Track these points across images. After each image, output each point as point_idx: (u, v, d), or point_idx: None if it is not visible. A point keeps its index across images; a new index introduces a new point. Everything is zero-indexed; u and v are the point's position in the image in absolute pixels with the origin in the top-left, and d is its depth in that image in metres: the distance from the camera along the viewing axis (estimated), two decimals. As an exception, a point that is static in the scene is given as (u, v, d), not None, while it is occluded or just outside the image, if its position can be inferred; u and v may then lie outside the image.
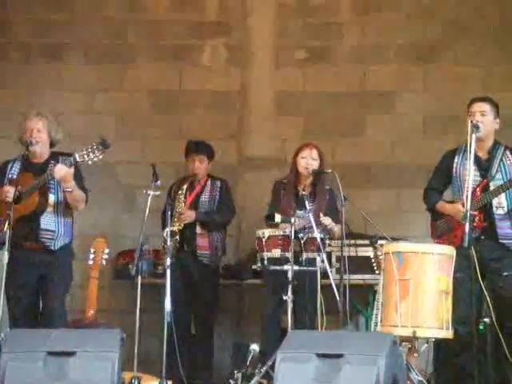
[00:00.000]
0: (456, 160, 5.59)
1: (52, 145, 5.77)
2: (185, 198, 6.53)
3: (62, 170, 5.44)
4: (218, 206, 6.58)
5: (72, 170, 5.49)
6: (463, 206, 5.25)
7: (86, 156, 5.43)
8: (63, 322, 5.52)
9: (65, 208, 5.67)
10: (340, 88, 7.61)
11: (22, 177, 5.56)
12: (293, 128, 7.57)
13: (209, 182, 6.63)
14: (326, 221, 5.78)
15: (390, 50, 7.63)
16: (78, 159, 5.45)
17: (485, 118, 5.45)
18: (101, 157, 5.45)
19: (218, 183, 6.64)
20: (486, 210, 5.43)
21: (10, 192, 5.39)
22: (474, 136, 5.09)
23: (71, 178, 5.51)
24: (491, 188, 5.43)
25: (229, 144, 7.57)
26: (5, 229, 5.18)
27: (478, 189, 5.43)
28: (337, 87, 7.61)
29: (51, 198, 5.62)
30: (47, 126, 5.68)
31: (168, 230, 5.63)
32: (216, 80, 7.69)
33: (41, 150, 5.69)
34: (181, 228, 6.37)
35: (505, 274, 5.36)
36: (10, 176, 5.66)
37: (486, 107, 5.49)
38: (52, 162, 5.65)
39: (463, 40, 7.58)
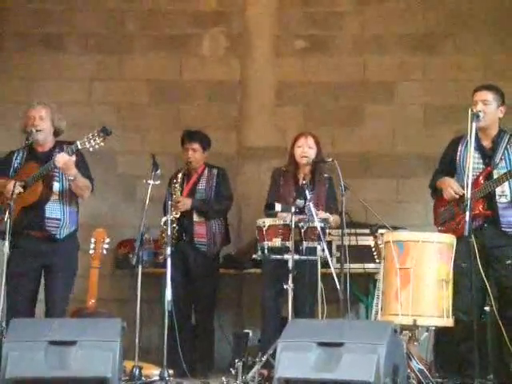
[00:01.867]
0: (460, 148, 5.58)
1: (57, 134, 5.76)
2: (182, 187, 6.53)
3: (63, 159, 5.45)
4: (215, 193, 6.58)
5: (73, 158, 5.50)
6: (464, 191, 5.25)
7: (87, 143, 5.44)
8: (64, 314, 5.51)
9: (70, 196, 5.68)
10: (340, 78, 7.60)
11: (26, 166, 5.57)
12: (293, 118, 7.57)
13: (206, 171, 6.63)
14: (323, 215, 5.78)
15: (390, 39, 7.62)
16: (79, 146, 5.46)
17: (487, 107, 5.41)
18: (102, 144, 5.46)
19: (215, 171, 6.63)
20: (489, 198, 5.42)
21: (18, 189, 5.39)
22: (474, 125, 5.08)
23: (73, 167, 5.51)
24: (495, 176, 5.41)
25: (229, 134, 7.57)
26: (5, 218, 5.18)
27: (481, 177, 5.43)
28: (337, 77, 7.60)
29: (56, 187, 5.62)
30: (50, 114, 5.69)
31: (165, 218, 5.64)
32: (215, 70, 7.68)
33: (44, 139, 5.69)
34: (177, 216, 6.36)
35: (508, 262, 5.36)
36: (15, 166, 5.66)
37: (488, 96, 5.45)
38: (56, 150, 5.65)
39: (463, 30, 7.58)
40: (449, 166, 5.64)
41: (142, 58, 7.74)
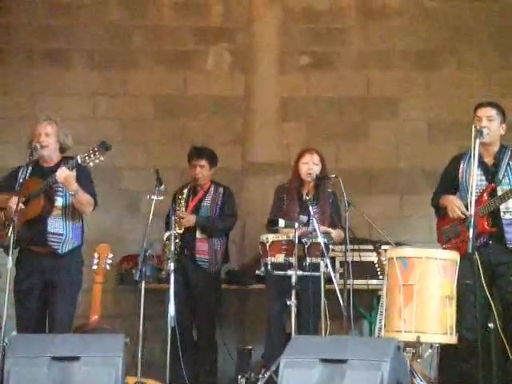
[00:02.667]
0: (462, 165, 5.59)
1: (63, 150, 5.77)
2: (187, 202, 6.55)
3: (63, 173, 5.44)
4: (220, 212, 6.59)
5: (74, 172, 5.49)
6: (467, 209, 5.27)
7: (87, 158, 5.44)
8: (68, 330, 5.48)
9: (73, 211, 5.67)
10: (344, 93, 7.62)
11: (29, 181, 5.57)
12: (297, 133, 7.58)
13: (212, 188, 6.65)
14: (325, 229, 5.78)
15: (394, 55, 7.64)
16: (79, 161, 5.45)
17: (491, 124, 5.43)
18: (102, 158, 5.45)
19: (221, 190, 6.65)
20: (493, 214, 5.41)
21: (14, 202, 5.40)
22: (477, 141, 5.08)
23: (73, 182, 5.50)
24: (499, 193, 5.41)
25: (233, 149, 7.56)
26: (9, 234, 5.18)
27: (484, 194, 5.42)
28: (341, 93, 7.62)
29: (59, 202, 5.62)
30: (56, 130, 5.69)
31: (168, 233, 5.64)
32: (220, 85, 7.69)
33: (49, 155, 5.70)
34: (181, 232, 6.37)
35: None
36: (20, 181, 5.66)
37: (492, 112, 5.48)
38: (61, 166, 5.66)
39: (466, 46, 7.60)
40: (450, 183, 5.65)
41: (146, 73, 7.75)
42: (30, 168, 5.65)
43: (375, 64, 7.64)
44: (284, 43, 7.69)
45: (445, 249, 5.53)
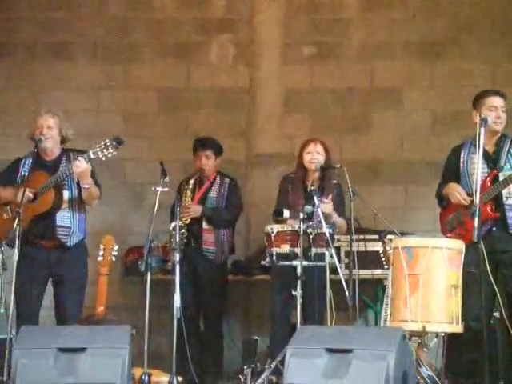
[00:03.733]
0: (462, 155, 5.61)
1: (63, 142, 5.77)
2: (193, 193, 6.55)
3: (81, 165, 5.44)
4: (226, 203, 6.59)
5: (90, 166, 5.50)
6: (469, 197, 5.32)
7: (99, 152, 5.44)
8: (75, 322, 5.49)
9: (79, 204, 5.69)
10: (347, 85, 7.62)
11: (34, 174, 5.57)
12: (300, 125, 7.58)
13: (218, 179, 6.65)
14: (326, 209, 5.74)
15: (397, 46, 7.63)
16: (92, 156, 5.45)
17: (503, 114, 5.49)
18: (114, 153, 5.46)
19: (227, 180, 6.65)
20: (496, 200, 5.43)
21: (29, 197, 5.40)
22: (482, 129, 5.08)
23: (89, 175, 5.53)
24: (501, 179, 5.43)
25: (237, 141, 7.57)
26: (14, 226, 5.18)
27: (487, 180, 5.43)
28: (344, 84, 7.62)
29: (66, 195, 5.63)
30: (58, 123, 5.70)
31: (174, 224, 5.64)
32: (223, 77, 7.69)
33: (52, 147, 5.70)
34: (187, 222, 6.38)
35: None
36: (22, 173, 5.67)
37: (503, 102, 5.52)
38: (63, 159, 5.68)
39: (470, 36, 7.59)
40: (453, 175, 5.66)
41: (149, 66, 7.76)
42: (32, 161, 5.64)
43: (378, 55, 7.64)
44: (287, 35, 7.68)
45: (448, 238, 5.52)
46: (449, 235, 5.58)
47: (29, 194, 5.40)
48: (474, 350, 5.19)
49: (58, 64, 7.73)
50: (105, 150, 5.43)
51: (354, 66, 7.66)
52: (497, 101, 5.49)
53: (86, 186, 5.56)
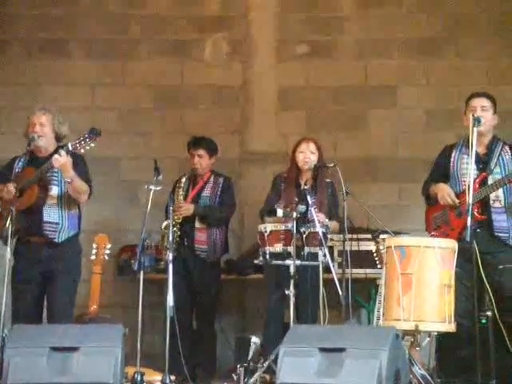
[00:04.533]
0: (453, 155, 5.63)
1: (59, 139, 5.77)
2: (187, 192, 6.55)
3: (61, 159, 5.44)
4: (219, 202, 6.59)
5: (70, 159, 5.50)
6: (457, 198, 5.35)
7: (77, 145, 5.46)
8: (68, 320, 5.49)
9: (69, 200, 5.67)
10: (342, 82, 7.61)
11: (25, 171, 5.58)
12: (295, 123, 7.58)
13: (211, 178, 6.64)
14: (321, 218, 5.77)
15: (392, 44, 7.63)
16: (70, 148, 5.46)
17: (485, 114, 5.49)
18: (93, 145, 5.48)
19: (221, 180, 6.65)
20: (483, 203, 5.45)
21: (11, 191, 5.41)
22: (475, 129, 5.09)
23: (70, 167, 5.51)
24: (489, 182, 5.46)
25: (231, 139, 7.57)
26: (7, 224, 5.18)
27: (476, 182, 5.44)
28: (339, 82, 7.61)
29: (54, 190, 5.62)
30: (51, 120, 5.70)
31: (166, 222, 5.64)
32: (218, 75, 7.69)
33: (45, 145, 5.70)
34: (179, 221, 6.37)
35: (500, 267, 5.40)
36: (16, 171, 5.68)
37: (486, 102, 5.55)
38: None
39: (465, 34, 7.59)
40: (441, 173, 5.68)
41: (144, 63, 7.76)
42: (26, 158, 5.64)
43: (373, 53, 7.63)
44: (282, 32, 7.68)
45: (432, 236, 5.57)
46: (433, 233, 5.61)
47: (11, 188, 5.39)
48: (464, 347, 5.21)
49: (54, 60, 7.72)
50: (83, 142, 5.45)
51: (349, 64, 7.65)
52: (475, 101, 5.53)
53: (69, 180, 5.55)
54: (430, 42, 7.61)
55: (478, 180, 5.46)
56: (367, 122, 7.62)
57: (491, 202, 5.46)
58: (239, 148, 7.63)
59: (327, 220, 5.83)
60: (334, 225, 5.89)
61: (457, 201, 5.41)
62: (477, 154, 5.47)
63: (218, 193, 6.59)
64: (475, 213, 5.35)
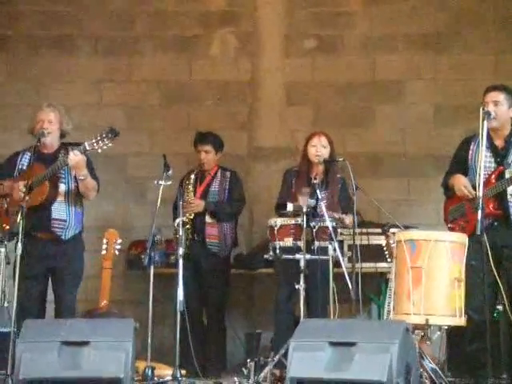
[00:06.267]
0: (472, 147, 5.56)
1: (62, 136, 5.79)
2: (194, 188, 6.56)
3: (76, 157, 5.45)
4: (228, 196, 6.60)
5: (85, 157, 5.51)
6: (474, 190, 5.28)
7: (95, 144, 5.45)
8: (72, 315, 5.52)
9: (76, 197, 5.69)
10: (349, 78, 7.61)
11: (33, 168, 5.57)
12: (302, 118, 7.57)
13: (219, 173, 6.65)
14: (336, 215, 5.78)
15: (399, 39, 7.62)
16: (87, 148, 5.47)
17: (498, 108, 5.38)
18: (110, 145, 5.47)
19: (228, 174, 6.66)
20: (499, 197, 5.39)
21: (21, 190, 5.40)
22: (485, 123, 5.06)
23: (84, 166, 5.54)
24: (507, 176, 5.38)
25: (239, 135, 7.57)
26: (18, 220, 5.17)
27: (492, 176, 5.41)
28: (346, 77, 7.61)
29: (62, 188, 5.64)
30: (59, 117, 5.71)
31: (179, 220, 5.65)
32: (225, 71, 7.68)
33: (51, 141, 5.71)
34: (191, 217, 6.39)
35: None
36: (20, 167, 5.68)
37: (499, 96, 5.42)
38: (62, 152, 5.68)
39: (472, 28, 7.57)
40: (461, 165, 5.63)
41: (151, 59, 7.75)
42: (31, 154, 5.64)
43: (380, 48, 7.63)
44: (289, 28, 7.67)
45: (450, 228, 5.54)
46: (450, 225, 5.58)
47: (21, 187, 5.38)
48: (475, 342, 5.19)
49: (60, 57, 7.72)
50: (100, 142, 5.44)
51: (356, 59, 7.64)
52: (488, 96, 5.42)
53: (82, 178, 5.57)
54: (437, 38, 7.60)
55: (494, 174, 5.41)
56: (375, 118, 7.61)
57: (508, 196, 5.37)
58: (247, 144, 7.62)
59: (344, 215, 5.81)
60: (349, 220, 5.84)
61: (473, 192, 5.34)
62: (495, 148, 5.45)
63: (227, 187, 6.60)
64: (490, 207, 5.33)
